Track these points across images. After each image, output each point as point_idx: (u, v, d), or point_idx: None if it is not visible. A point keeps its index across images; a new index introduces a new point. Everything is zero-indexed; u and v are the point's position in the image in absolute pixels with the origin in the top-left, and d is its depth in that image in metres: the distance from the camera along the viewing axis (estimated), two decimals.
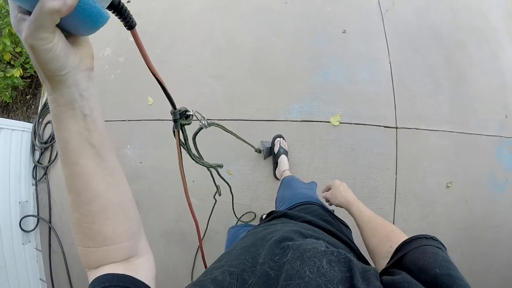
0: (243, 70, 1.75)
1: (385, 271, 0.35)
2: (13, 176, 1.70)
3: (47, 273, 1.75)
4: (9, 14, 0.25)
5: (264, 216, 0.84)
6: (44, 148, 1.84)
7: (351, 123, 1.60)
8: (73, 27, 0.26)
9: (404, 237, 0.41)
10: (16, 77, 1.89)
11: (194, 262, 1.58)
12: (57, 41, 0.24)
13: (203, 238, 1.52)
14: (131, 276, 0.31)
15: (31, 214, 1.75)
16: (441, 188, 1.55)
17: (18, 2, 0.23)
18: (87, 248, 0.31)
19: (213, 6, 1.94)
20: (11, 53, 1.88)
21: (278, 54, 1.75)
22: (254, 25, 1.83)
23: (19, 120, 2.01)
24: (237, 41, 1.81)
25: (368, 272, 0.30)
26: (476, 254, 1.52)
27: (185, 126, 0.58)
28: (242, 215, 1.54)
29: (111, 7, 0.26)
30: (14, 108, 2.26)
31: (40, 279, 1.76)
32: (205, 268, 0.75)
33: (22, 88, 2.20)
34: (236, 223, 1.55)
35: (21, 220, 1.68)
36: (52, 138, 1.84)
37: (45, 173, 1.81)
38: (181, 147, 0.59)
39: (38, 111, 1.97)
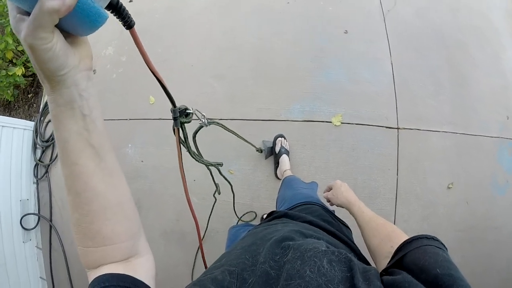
0: (244, 70, 1.75)
1: (385, 271, 0.35)
2: (14, 174, 1.70)
3: (48, 271, 1.75)
4: None
5: (264, 216, 0.84)
6: (45, 147, 1.84)
7: (352, 124, 1.60)
8: (72, 27, 0.26)
9: (405, 237, 0.41)
10: (18, 75, 1.89)
11: (194, 262, 1.58)
12: (56, 41, 0.24)
13: (203, 237, 1.52)
14: (130, 276, 0.31)
15: (32, 212, 1.76)
16: (442, 189, 1.55)
17: (16, 3, 0.23)
18: (86, 248, 0.31)
19: (214, 6, 1.94)
20: (13, 52, 1.89)
21: (279, 54, 1.75)
22: (256, 24, 1.83)
23: (20, 118, 2.01)
24: (239, 40, 1.82)
25: (368, 272, 0.30)
26: (477, 256, 1.52)
27: (186, 125, 0.59)
28: (243, 215, 1.54)
29: (110, 7, 0.27)
30: (16, 106, 2.27)
31: (41, 277, 1.76)
32: (205, 267, 0.75)
33: (24, 87, 2.21)
34: (237, 222, 1.55)
35: (22, 218, 1.68)
36: (53, 136, 1.84)
37: (46, 171, 1.82)
38: (181, 145, 0.59)
39: (40, 110, 1.97)
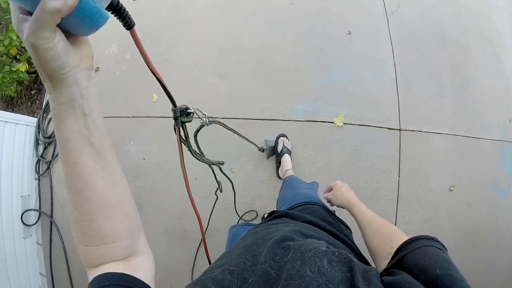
0: (247, 69, 1.75)
1: (385, 272, 0.35)
2: (16, 170, 1.70)
3: (47, 267, 1.75)
4: None
5: (265, 215, 0.84)
6: (47, 143, 1.85)
7: (354, 124, 1.60)
8: (73, 27, 0.26)
9: (405, 238, 0.41)
10: (21, 71, 1.90)
11: (194, 260, 1.58)
12: (58, 40, 0.24)
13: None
14: (130, 275, 0.31)
15: (33, 208, 1.76)
16: (444, 191, 1.55)
17: (19, 3, 0.23)
18: (86, 246, 0.31)
19: (218, 5, 1.95)
20: (17, 48, 1.90)
21: (282, 54, 1.75)
22: (260, 24, 1.84)
23: (23, 115, 2.02)
24: (242, 40, 1.82)
25: (368, 272, 0.30)
26: (478, 258, 1.52)
27: (187, 124, 0.59)
28: (244, 214, 1.54)
29: (110, 7, 0.27)
30: (18, 102, 2.27)
31: (40, 273, 1.76)
32: (208, 262, 0.75)
33: (27, 83, 2.21)
34: (238, 221, 1.55)
35: (22, 214, 1.68)
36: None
37: (48, 168, 1.82)
38: (182, 144, 0.59)
39: (43, 106, 1.98)
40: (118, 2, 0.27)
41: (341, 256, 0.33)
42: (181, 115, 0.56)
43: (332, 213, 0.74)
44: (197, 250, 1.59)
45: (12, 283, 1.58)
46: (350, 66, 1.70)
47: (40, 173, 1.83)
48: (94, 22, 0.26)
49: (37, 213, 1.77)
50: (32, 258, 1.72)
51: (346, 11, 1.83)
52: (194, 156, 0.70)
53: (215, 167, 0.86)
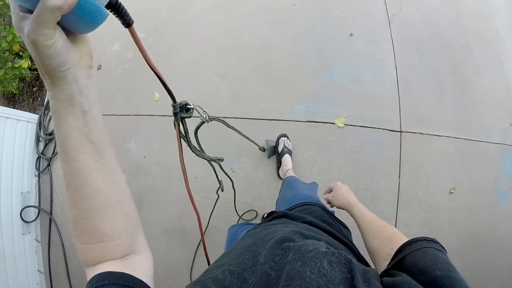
0: (248, 69, 1.76)
1: (385, 273, 0.36)
2: (17, 166, 1.70)
3: (46, 264, 1.74)
4: None
5: (265, 215, 0.84)
6: (48, 140, 1.85)
7: (355, 125, 1.60)
8: (72, 25, 0.27)
9: (405, 240, 0.41)
10: (24, 68, 1.90)
11: (193, 260, 1.58)
12: (58, 37, 0.25)
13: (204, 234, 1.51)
14: (129, 275, 0.31)
15: (32, 205, 1.75)
16: (444, 194, 1.55)
17: (19, 1, 0.24)
18: (85, 244, 0.31)
19: (219, 5, 1.95)
20: (20, 44, 1.90)
21: (284, 55, 1.76)
22: (262, 25, 1.85)
23: (25, 111, 2.02)
24: (244, 40, 1.83)
25: (368, 273, 0.31)
26: (478, 262, 1.51)
27: (189, 123, 0.59)
28: (244, 213, 1.53)
29: (109, 5, 0.27)
30: (20, 99, 2.28)
31: (38, 270, 1.75)
32: (207, 260, 0.74)
33: (29, 80, 2.22)
34: (238, 221, 1.54)
35: (22, 211, 1.67)
36: None
37: (49, 165, 1.82)
38: (182, 140, 0.59)
39: (44, 103, 1.98)
40: (117, 1, 0.28)
41: (341, 257, 0.33)
42: (181, 111, 0.57)
43: (331, 214, 0.74)
44: (196, 250, 1.58)
45: (10, 280, 1.57)
46: (351, 67, 1.70)
47: (41, 170, 1.82)
48: (93, 20, 0.26)
49: (37, 210, 1.77)
50: (30, 255, 1.72)
51: (347, 12, 1.83)
52: (193, 152, 0.70)
53: (216, 165, 0.86)
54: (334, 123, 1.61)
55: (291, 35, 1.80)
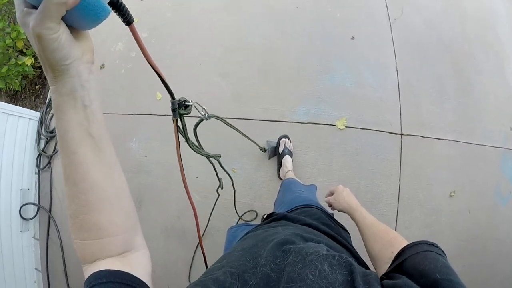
0: (251, 70, 1.77)
1: (385, 275, 0.36)
2: (17, 163, 1.70)
3: (43, 263, 1.73)
4: None
5: (265, 216, 0.83)
6: (49, 137, 1.85)
7: (356, 128, 1.61)
8: (76, 21, 0.28)
9: (406, 243, 0.42)
10: (27, 65, 1.91)
11: (192, 260, 1.57)
12: (62, 31, 0.26)
13: (203, 235, 1.51)
14: (128, 273, 0.31)
15: (32, 202, 1.75)
16: (445, 197, 1.55)
17: None
18: (83, 240, 0.31)
19: (223, 6, 1.97)
20: (24, 41, 1.91)
21: (286, 56, 1.77)
22: (265, 26, 1.86)
23: (27, 109, 2.02)
24: (247, 41, 1.84)
25: (369, 276, 0.31)
26: (478, 265, 1.51)
27: (188, 122, 0.59)
28: (244, 213, 1.53)
29: (110, 3, 0.28)
30: (22, 97, 2.28)
31: (36, 268, 1.74)
32: (205, 262, 0.74)
33: (32, 77, 2.23)
34: (237, 221, 1.54)
35: (21, 208, 1.67)
36: None
37: (49, 162, 1.82)
38: (180, 136, 0.60)
39: (47, 101, 1.99)
40: None
41: (342, 260, 0.33)
42: (180, 108, 0.57)
43: (331, 216, 0.74)
44: (195, 250, 1.58)
45: (7, 278, 1.56)
46: (352, 69, 1.72)
47: (41, 167, 1.82)
48: (96, 16, 0.27)
49: (36, 207, 1.76)
50: (28, 253, 1.70)
51: (350, 16, 1.85)
52: (191, 148, 0.70)
53: (216, 163, 0.86)
54: (335, 125, 1.61)
55: (293, 37, 1.81)
